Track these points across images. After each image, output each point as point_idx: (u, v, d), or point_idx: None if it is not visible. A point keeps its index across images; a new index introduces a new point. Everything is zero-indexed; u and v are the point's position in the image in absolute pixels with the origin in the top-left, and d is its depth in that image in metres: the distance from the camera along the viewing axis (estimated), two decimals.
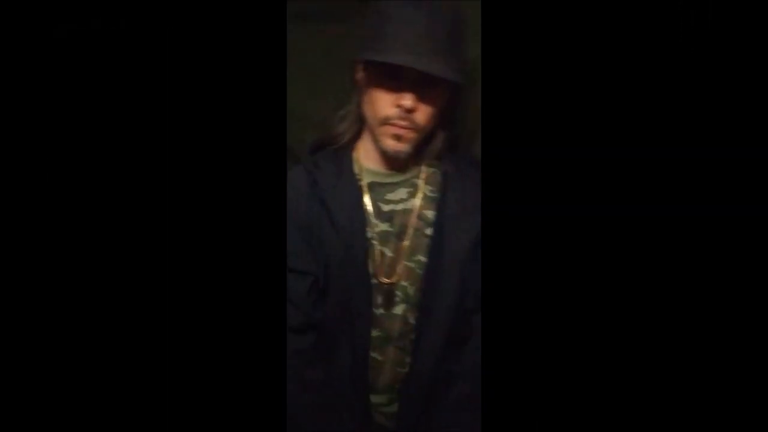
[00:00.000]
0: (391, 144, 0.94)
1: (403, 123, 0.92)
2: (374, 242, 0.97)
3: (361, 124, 0.99)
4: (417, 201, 0.99)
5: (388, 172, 1.00)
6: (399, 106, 0.91)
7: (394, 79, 0.90)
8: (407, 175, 1.01)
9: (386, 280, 0.97)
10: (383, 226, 0.98)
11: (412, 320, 0.97)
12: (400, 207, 0.99)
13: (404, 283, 0.97)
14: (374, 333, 0.98)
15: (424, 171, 1.00)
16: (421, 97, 0.91)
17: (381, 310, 0.97)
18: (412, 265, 0.97)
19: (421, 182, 1.01)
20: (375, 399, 0.99)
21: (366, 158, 1.01)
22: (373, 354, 0.98)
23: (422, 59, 0.86)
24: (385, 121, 0.93)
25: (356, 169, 1.00)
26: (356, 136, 1.00)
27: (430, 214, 0.99)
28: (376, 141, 0.96)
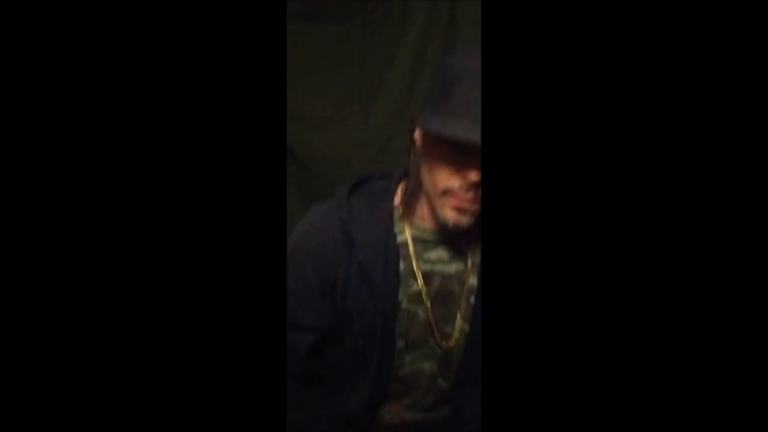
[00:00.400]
0: (452, 216, 0.86)
1: (467, 196, 0.84)
2: (412, 306, 0.93)
3: (416, 188, 0.91)
4: (457, 265, 0.93)
5: (436, 235, 0.93)
6: (464, 178, 0.83)
7: (460, 151, 0.82)
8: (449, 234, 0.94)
9: (443, 344, 0.93)
10: (417, 287, 0.93)
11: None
12: (438, 267, 0.93)
13: (433, 344, 0.94)
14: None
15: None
16: None
17: (412, 366, 0.95)
18: (459, 334, 0.93)
19: (462, 243, 0.94)
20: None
21: (417, 218, 0.93)
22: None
23: None
24: (446, 193, 0.85)
25: (398, 225, 0.93)
26: (409, 197, 0.92)
27: (471, 279, 0.93)
28: (433, 210, 0.88)
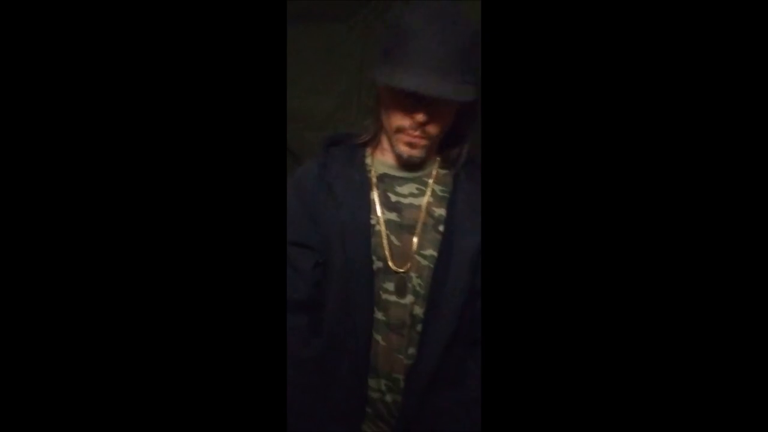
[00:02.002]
0: (405, 150, 1.02)
1: (415, 133, 1.00)
2: (379, 229, 1.02)
3: (378, 129, 1.07)
4: (426, 198, 1.05)
5: (400, 169, 1.07)
6: (413, 119, 0.98)
7: (409, 97, 0.96)
8: (418, 174, 1.07)
9: (399, 269, 1.01)
10: (390, 216, 1.04)
11: (419, 312, 1.01)
12: (407, 201, 1.05)
13: (413, 275, 1.01)
14: (378, 316, 1.01)
15: (435, 171, 1.08)
16: (435, 112, 0.99)
17: (390, 297, 1.01)
18: (421, 259, 1.01)
19: (431, 181, 1.07)
20: (372, 383, 1.02)
21: (381, 155, 1.08)
22: (376, 336, 1.01)
23: (435, 83, 0.93)
24: (399, 130, 1.01)
25: (368, 162, 1.08)
26: (374, 138, 1.08)
27: (438, 211, 1.04)
28: (391, 145, 1.04)
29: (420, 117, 0.97)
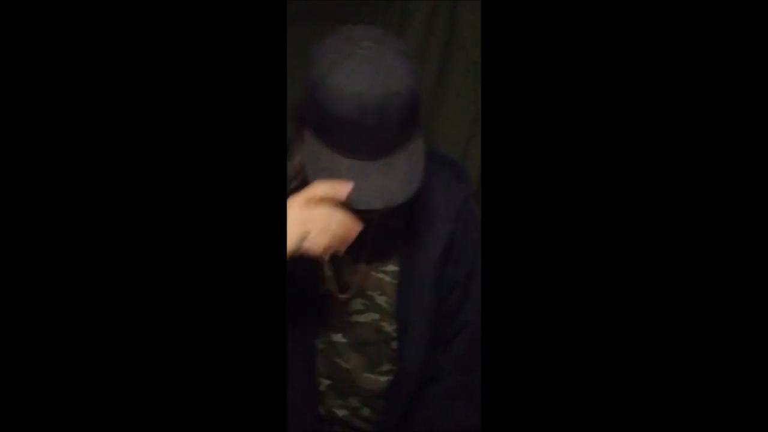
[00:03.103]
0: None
1: None
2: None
3: None
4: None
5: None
6: None
7: None
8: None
9: (342, 296, 0.96)
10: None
11: (387, 329, 0.98)
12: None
13: (371, 293, 0.97)
14: (336, 339, 0.98)
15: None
16: None
17: (350, 317, 0.97)
18: (381, 275, 0.97)
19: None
20: (351, 402, 1.00)
21: None
22: (338, 360, 0.99)
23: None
24: None
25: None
26: None
27: (392, 224, 0.97)
28: None
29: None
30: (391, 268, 0.98)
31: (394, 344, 0.98)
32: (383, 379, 0.99)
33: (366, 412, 1.01)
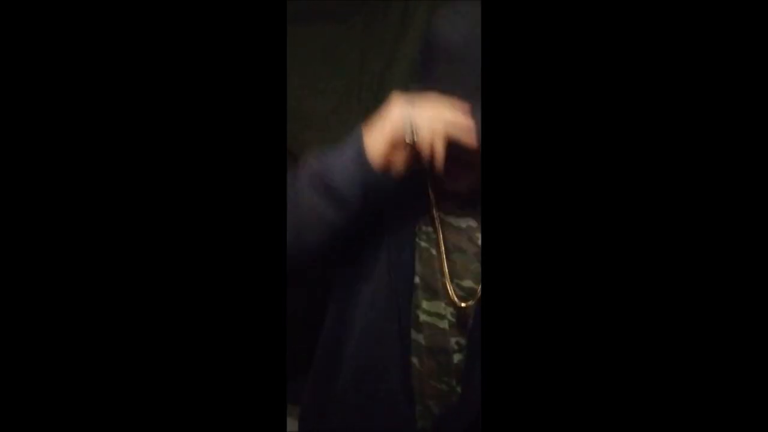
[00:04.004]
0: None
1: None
2: (423, 243, 0.94)
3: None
4: (469, 221, 0.95)
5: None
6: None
7: None
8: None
9: (462, 303, 0.93)
10: (429, 230, 0.95)
11: (453, 343, 0.94)
12: (449, 219, 0.95)
13: (444, 303, 0.95)
14: (416, 337, 0.95)
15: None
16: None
17: (426, 317, 0.95)
18: (457, 289, 0.94)
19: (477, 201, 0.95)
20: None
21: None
22: (412, 359, 0.95)
23: None
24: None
25: None
26: None
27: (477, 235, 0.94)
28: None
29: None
30: (469, 284, 0.93)
31: (462, 363, 0.94)
32: (442, 389, 0.94)
33: (420, 424, 0.96)
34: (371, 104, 1.39)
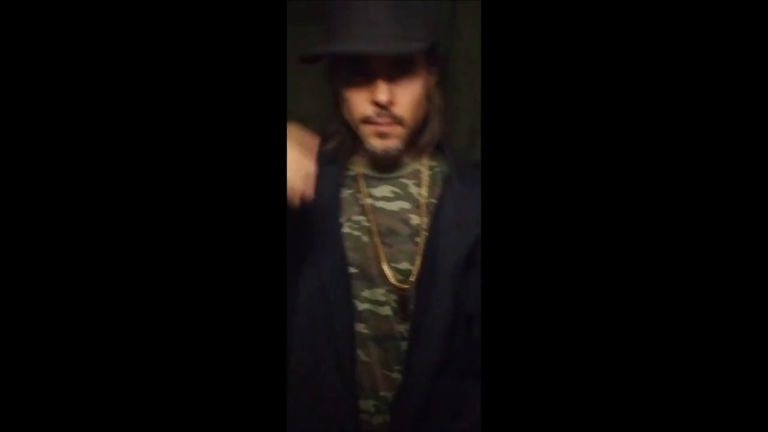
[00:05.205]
0: (377, 143, 0.89)
1: (383, 120, 0.87)
2: (355, 232, 0.92)
3: (345, 130, 0.94)
4: (400, 203, 0.94)
5: (378, 170, 0.95)
6: (374, 102, 0.86)
7: (363, 74, 0.86)
8: (396, 173, 0.95)
9: (401, 285, 0.91)
10: (359, 218, 0.93)
11: (400, 329, 0.93)
12: (379, 204, 0.94)
13: (385, 289, 0.93)
14: (358, 328, 0.92)
15: (421, 172, 0.95)
16: (397, 88, 0.86)
17: (368, 305, 0.93)
18: (395, 273, 0.93)
19: (411, 183, 0.95)
20: (361, 404, 0.93)
21: (361, 157, 0.96)
22: (358, 351, 0.92)
23: (371, 41, 0.82)
24: (366, 121, 0.88)
25: (349, 163, 0.96)
26: (343, 143, 0.95)
27: (416, 219, 0.93)
28: (363, 143, 0.91)
29: (381, 96, 0.85)
30: (405, 266, 0.92)
31: (404, 345, 0.93)
32: (391, 375, 0.93)
33: (377, 419, 0.95)
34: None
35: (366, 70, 0.85)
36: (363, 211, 0.94)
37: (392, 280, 0.92)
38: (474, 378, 0.94)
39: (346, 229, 0.93)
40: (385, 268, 0.92)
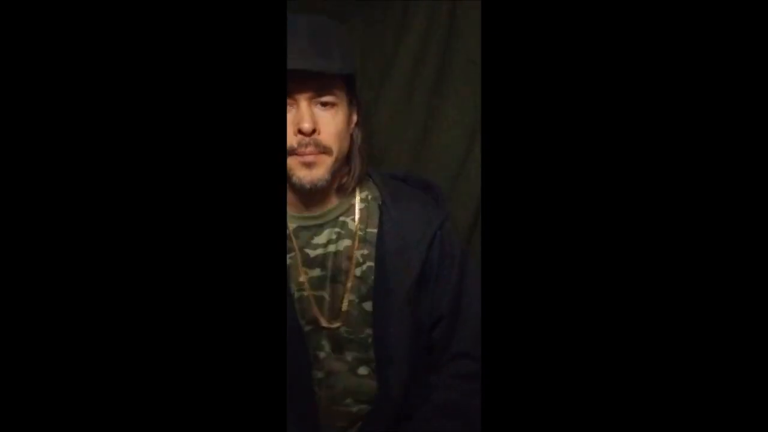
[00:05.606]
0: (304, 175, 0.88)
1: (309, 149, 0.86)
2: (304, 291, 0.94)
3: None
4: (345, 242, 0.95)
5: (312, 213, 0.94)
6: (299, 131, 0.86)
7: (289, 106, 0.86)
8: (332, 214, 0.95)
9: (331, 325, 0.94)
10: (314, 273, 0.94)
11: (337, 366, 0.96)
12: (328, 250, 0.94)
13: (343, 330, 0.95)
14: (318, 375, 0.95)
15: (355, 205, 0.95)
16: (321, 117, 0.86)
17: (325, 354, 0.95)
18: (354, 311, 0.95)
19: (348, 220, 0.95)
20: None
21: (290, 203, 0.94)
22: (320, 393, 0.95)
23: (301, 60, 0.82)
24: (291, 152, 0.87)
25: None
26: None
27: (361, 254, 0.94)
28: (290, 180, 0.89)
29: (306, 124, 0.84)
30: (363, 304, 0.94)
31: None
32: (353, 409, 0.96)
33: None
34: (371, 104, 1.40)
35: (289, 99, 0.85)
36: (313, 263, 0.94)
37: (322, 322, 0.94)
38: (437, 374, 0.97)
39: (302, 291, 0.95)
40: (317, 314, 0.94)
